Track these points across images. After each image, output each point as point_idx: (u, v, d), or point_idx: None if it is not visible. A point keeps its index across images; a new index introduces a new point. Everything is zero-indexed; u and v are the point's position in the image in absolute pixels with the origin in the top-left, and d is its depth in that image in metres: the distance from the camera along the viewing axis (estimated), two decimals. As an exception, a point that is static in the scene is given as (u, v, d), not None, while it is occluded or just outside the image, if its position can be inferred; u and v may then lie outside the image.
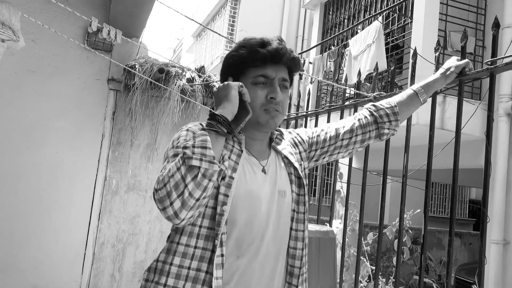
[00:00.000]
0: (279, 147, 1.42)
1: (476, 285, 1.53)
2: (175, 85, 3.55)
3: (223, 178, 1.21)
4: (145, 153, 4.03)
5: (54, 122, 3.82)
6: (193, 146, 1.09)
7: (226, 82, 1.26)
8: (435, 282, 5.45)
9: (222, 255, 1.18)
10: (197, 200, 1.08)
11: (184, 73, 3.72)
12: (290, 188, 1.37)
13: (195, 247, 1.20)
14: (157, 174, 4.33)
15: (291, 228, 1.35)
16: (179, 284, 1.17)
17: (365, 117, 1.53)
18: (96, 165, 3.92)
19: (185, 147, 1.09)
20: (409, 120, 2.07)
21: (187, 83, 3.68)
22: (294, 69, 1.37)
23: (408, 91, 1.61)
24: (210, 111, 1.22)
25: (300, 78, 6.06)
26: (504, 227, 4.66)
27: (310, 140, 1.51)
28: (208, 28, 3.13)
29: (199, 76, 3.80)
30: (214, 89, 1.33)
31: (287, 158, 1.40)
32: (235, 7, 9.93)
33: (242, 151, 1.29)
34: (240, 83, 1.27)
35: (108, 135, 3.95)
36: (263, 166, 1.33)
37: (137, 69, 3.58)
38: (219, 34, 3.01)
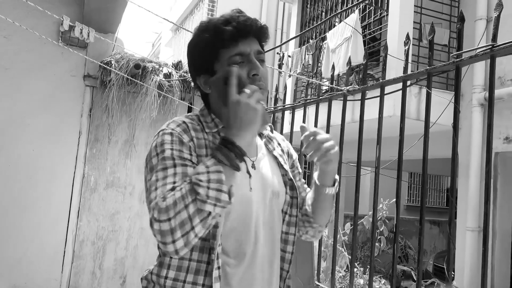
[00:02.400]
0: (270, 146, 1.35)
1: (448, 272, 1.58)
2: (152, 80, 3.53)
3: None
4: (123, 150, 4.01)
5: (29, 120, 3.76)
6: (208, 188, 0.98)
7: (255, 104, 1.07)
8: (414, 270, 5.57)
9: (219, 268, 1.13)
10: (200, 238, 1.02)
11: (161, 68, 3.70)
12: (284, 190, 1.30)
13: (190, 260, 1.14)
14: (136, 170, 4.26)
15: (281, 231, 1.29)
16: None
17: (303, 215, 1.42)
18: (73, 162, 3.88)
19: (197, 184, 0.98)
20: (381, 112, 2.11)
21: (164, 79, 3.67)
22: (263, 39, 1.25)
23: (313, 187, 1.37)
24: (223, 137, 1.06)
25: (280, 73, 6.09)
26: (479, 214, 4.78)
27: (292, 170, 1.40)
28: (181, 27, 3.11)
29: (176, 72, 3.79)
30: (234, 98, 1.09)
31: (277, 159, 1.33)
32: (213, 0, 9.88)
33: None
34: (269, 123, 1.17)
35: (85, 132, 3.92)
36: (252, 161, 1.24)
37: (113, 65, 3.55)
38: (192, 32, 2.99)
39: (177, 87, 3.70)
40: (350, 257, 4.07)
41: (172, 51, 12.47)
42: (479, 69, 4.86)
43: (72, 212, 3.87)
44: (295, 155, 1.44)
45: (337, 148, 1.22)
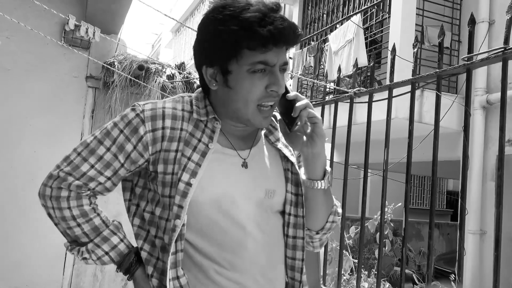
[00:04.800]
0: (272, 137, 1.16)
1: (454, 275, 1.57)
2: (155, 82, 3.52)
3: (176, 183, 1.02)
4: (126, 151, 3.99)
5: (31, 121, 3.74)
6: (92, 257, 1.12)
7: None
8: (415, 272, 5.56)
9: (176, 278, 1.02)
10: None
11: (164, 69, 3.69)
12: (284, 187, 1.12)
13: (157, 259, 1.09)
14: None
15: (287, 235, 1.12)
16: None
17: None
18: (75, 164, 3.86)
19: (88, 250, 1.10)
20: (389, 115, 2.10)
21: (167, 80, 3.66)
22: (293, 46, 1.07)
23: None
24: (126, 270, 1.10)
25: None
26: (480, 217, 4.78)
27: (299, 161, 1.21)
28: (186, 26, 3.11)
29: (179, 73, 3.78)
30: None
31: (281, 151, 1.14)
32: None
33: (209, 148, 1.04)
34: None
35: (87, 133, 3.90)
36: (244, 159, 1.09)
37: (116, 66, 3.54)
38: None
39: (180, 89, 3.69)
40: (354, 260, 4.07)
41: (172, 53, 12.46)
42: (481, 72, 4.87)
43: (74, 214, 3.84)
44: None
45: (323, 131, 1.07)
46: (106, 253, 1.08)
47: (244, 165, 1.08)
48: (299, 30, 1.03)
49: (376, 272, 1.95)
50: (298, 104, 1.05)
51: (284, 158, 1.15)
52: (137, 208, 1.15)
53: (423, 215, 10.96)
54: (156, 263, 1.09)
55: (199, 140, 1.05)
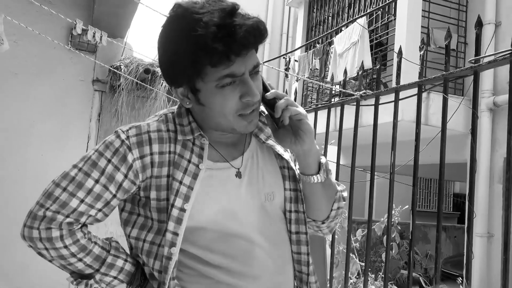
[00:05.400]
0: (263, 135, 1.13)
1: (461, 278, 1.56)
2: (161, 85, 3.54)
3: (170, 208, 0.99)
4: (132, 154, 4.01)
5: (38, 125, 3.77)
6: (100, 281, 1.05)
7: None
8: (422, 275, 5.53)
9: None
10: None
11: (170, 73, 3.71)
12: (282, 186, 1.10)
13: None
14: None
15: (290, 232, 1.11)
16: None
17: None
18: (82, 167, 3.88)
19: (95, 279, 1.04)
20: (395, 117, 2.09)
21: (173, 83, 3.67)
22: (261, 43, 0.98)
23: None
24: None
25: (286, 76, 6.08)
26: (488, 220, 4.75)
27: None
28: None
29: (185, 76, 3.79)
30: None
31: (273, 149, 1.12)
32: (219, 5, 9.89)
33: (200, 169, 1.01)
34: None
35: (94, 137, 3.92)
36: (237, 169, 1.06)
37: (122, 70, 3.56)
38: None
39: (186, 92, 3.70)
40: (361, 263, 4.05)
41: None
42: (487, 74, 4.84)
43: (80, 217, 3.86)
44: None
45: (310, 126, 1.03)
46: (115, 277, 1.06)
47: (238, 175, 1.06)
48: (264, 26, 0.95)
49: (383, 275, 1.94)
50: (278, 104, 1.01)
51: (278, 156, 1.13)
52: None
53: (430, 218, 10.90)
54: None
55: (189, 161, 1.01)
